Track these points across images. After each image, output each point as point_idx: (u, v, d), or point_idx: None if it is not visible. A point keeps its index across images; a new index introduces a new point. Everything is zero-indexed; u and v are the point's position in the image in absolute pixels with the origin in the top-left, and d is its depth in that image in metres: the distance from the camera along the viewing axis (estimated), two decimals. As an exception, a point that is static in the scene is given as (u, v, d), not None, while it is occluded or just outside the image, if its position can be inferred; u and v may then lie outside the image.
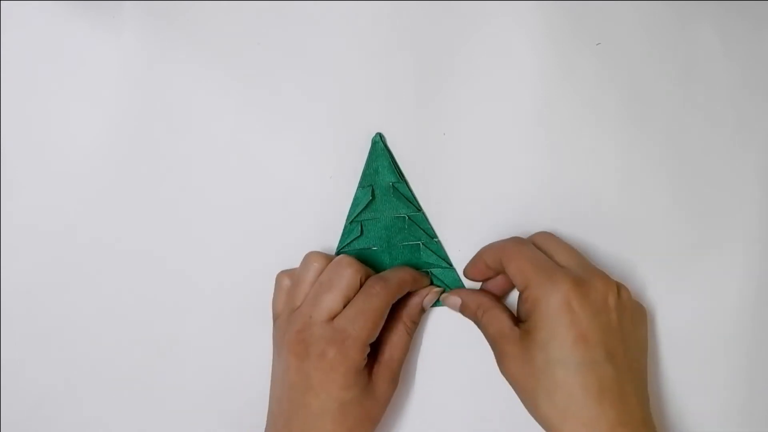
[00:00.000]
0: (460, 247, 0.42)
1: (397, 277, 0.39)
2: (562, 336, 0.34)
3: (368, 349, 0.37)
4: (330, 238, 0.42)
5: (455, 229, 0.42)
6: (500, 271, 0.39)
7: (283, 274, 0.40)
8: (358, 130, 0.42)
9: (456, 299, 0.40)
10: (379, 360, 0.39)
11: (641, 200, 0.42)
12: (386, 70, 0.42)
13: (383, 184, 0.42)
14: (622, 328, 0.35)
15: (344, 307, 0.37)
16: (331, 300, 0.37)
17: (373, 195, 0.42)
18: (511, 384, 0.36)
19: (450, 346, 0.42)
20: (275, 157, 0.43)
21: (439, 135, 0.42)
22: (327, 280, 0.38)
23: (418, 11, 0.42)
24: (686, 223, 0.42)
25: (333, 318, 0.37)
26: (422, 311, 0.41)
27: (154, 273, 0.43)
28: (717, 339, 0.42)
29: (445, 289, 0.42)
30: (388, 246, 0.42)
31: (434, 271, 0.42)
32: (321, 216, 0.42)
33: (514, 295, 0.42)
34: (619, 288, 0.36)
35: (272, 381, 0.39)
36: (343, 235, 0.42)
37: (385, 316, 0.38)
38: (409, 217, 0.42)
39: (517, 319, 0.37)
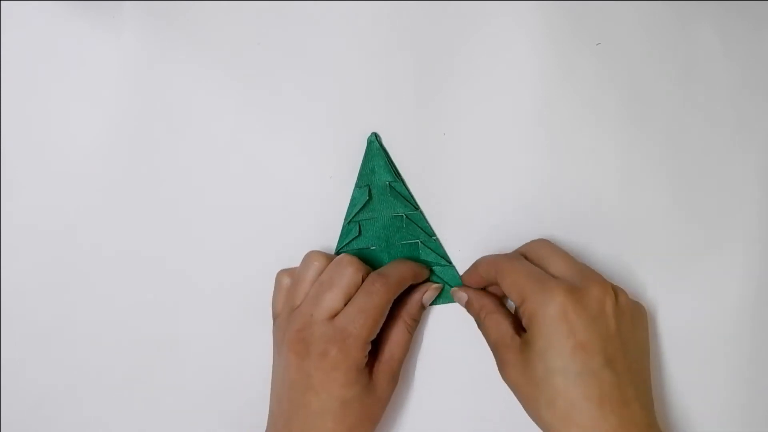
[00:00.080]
0: (460, 246, 0.42)
1: (397, 274, 0.39)
2: (560, 345, 0.34)
3: (369, 347, 0.37)
4: (329, 238, 0.42)
5: (455, 229, 0.42)
6: (495, 284, 0.39)
7: (284, 273, 0.41)
8: (358, 130, 0.42)
9: (463, 295, 0.40)
10: (380, 358, 0.39)
11: (641, 200, 0.42)
12: (386, 70, 0.42)
13: (380, 183, 0.42)
14: (620, 333, 0.35)
15: (345, 305, 0.37)
16: (332, 299, 0.37)
17: (370, 195, 0.42)
18: (512, 390, 0.36)
19: (450, 344, 0.42)
20: (275, 157, 0.43)
21: (438, 135, 0.42)
22: (328, 279, 0.38)
23: (418, 11, 0.42)
24: (686, 223, 0.42)
25: (334, 317, 0.37)
26: (422, 308, 0.41)
27: (154, 273, 0.43)
28: (717, 339, 0.42)
29: (445, 286, 0.42)
30: (386, 245, 0.42)
31: (433, 269, 0.42)
32: (321, 216, 0.42)
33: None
34: (616, 292, 0.36)
35: (272, 380, 0.39)
36: (341, 235, 0.42)
37: (386, 314, 0.38)
38: (406, 216, 0.42)
39: (518, 326, 0.37)
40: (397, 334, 0.39)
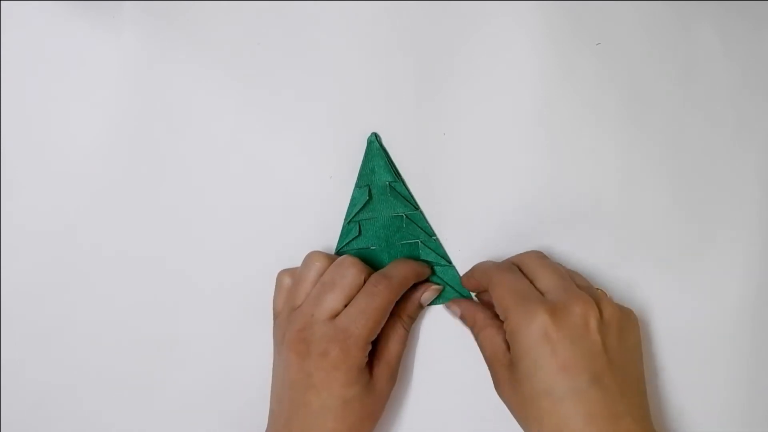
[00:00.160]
0: (460, 246, 0.42)
1: (400, 275, 0.39)
2: (544, 367, 0.33)
3: (370, 347, 0.37)
4: (330, 238, 0.42)
5: (456, 229, 0.42)
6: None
7: (284, 272, 0.41)
8: (358, 130, 0.42)
9: (456, 309, 0.41)
10: (378, 357, 0.39)
11: (641, 200, 0.42)
12: (386, 70, 0.42)
13: (380, 183, 0.42)
14: (607, 348, 0.34)
15: (346, 306, 0.37)
16: (334, 299, 0.37)
17: (370, 195, 0.42)
18: (506, 406, 0.36)
19: (449, 344, 0.42)
20: (275, 157, 0.43)
21: (438, 135, 0.42)
22: (330, 279, 0.38)
23: (418, 11, 0.42)
24: (686, 223, 0.42)
25: (334, 317, 0.37)
26: (420, 308, 0.41)
27: (154, 273, 0.43)
28: (717, 339, 0.42)
29: (444, 287, 0.42)
30: (386, 245, 0.42)
31: (434, 268, 0.42)
32: (321, 216, 0.42)
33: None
34: (601, 306, 0.35)
35: (273, 380, 0.39)
36: (341, 235, 0.42)
37: (387, 315, 0.38)
38: (406, 216, 0.42)
39: None
40: (394, 333, 0.39)
